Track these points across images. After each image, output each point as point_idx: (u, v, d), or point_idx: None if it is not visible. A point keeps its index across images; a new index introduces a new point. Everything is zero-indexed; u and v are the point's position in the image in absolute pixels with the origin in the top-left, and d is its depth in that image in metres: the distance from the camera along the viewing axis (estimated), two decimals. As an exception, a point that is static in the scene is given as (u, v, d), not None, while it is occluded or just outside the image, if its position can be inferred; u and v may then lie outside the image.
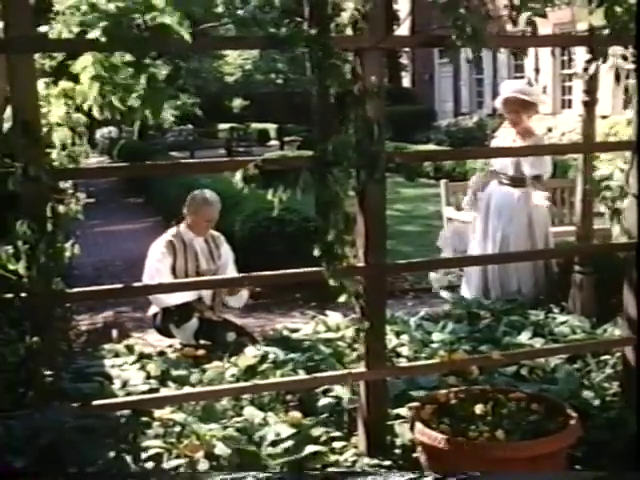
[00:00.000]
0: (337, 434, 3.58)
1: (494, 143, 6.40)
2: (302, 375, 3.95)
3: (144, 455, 3.22)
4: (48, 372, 2.97)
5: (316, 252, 3.15)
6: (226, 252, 5.38)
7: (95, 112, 3.37)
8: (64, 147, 3.40)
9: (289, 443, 3.32)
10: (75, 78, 3.31)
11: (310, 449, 3.33)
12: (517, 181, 6.13)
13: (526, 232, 6.10)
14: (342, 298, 3.23)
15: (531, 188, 6.14)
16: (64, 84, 3.39)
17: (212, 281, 4.58)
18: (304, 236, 6.52)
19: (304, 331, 5.00)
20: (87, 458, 2.38)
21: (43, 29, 3.22)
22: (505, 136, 6.23)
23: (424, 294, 6.99)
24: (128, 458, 3.08)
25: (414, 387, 3.83)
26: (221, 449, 3.23)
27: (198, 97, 23.21)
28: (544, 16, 3.38)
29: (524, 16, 3.34)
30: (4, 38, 2.92)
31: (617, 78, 3.53)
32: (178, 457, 3.22)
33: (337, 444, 3.52)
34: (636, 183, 3.64)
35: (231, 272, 5.18)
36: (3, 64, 2.93)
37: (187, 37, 2.97)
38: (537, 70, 19.69)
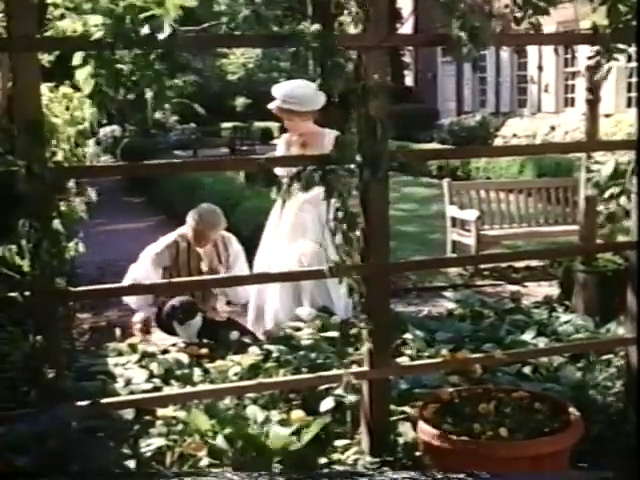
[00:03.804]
0: (340, 432, 3.59)
1: (278, 152, 5.58)
2: (305, 374, 3.95)
3: (147, 454, 3.22)
4: (51, 371, 2.97)
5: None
6: (235, 253, 5.38)
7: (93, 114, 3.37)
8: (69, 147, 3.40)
9: (292, 441, 3.32)
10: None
11: (313, 447, 3.33)
12: None
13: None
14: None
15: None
16: (65, 89, 3.39)
17: (214, 281, 4.58)
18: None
19: (308, 330, 5.00)
20: (92, 459, 2.38)
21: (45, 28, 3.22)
22: (289, 143, 5.57)
23: (427, 293, 6.99)
24: (131, 458, 3.09)
25: (417, 386, 3.83)
26: (224, 446, 3.23)
27: (198, 79, 22.99)
28: (547, 13, 3.37)
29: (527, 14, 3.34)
30: (7, 37, 2.92)
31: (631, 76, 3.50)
32: (181, 455, 3.23)
33: (340, 442, 3.52)
34: (637, 182, 3.63)
35: (240, 272, 5.18)
36: (6, 63, 2.93)
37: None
38: (540, 68, 19.66)
